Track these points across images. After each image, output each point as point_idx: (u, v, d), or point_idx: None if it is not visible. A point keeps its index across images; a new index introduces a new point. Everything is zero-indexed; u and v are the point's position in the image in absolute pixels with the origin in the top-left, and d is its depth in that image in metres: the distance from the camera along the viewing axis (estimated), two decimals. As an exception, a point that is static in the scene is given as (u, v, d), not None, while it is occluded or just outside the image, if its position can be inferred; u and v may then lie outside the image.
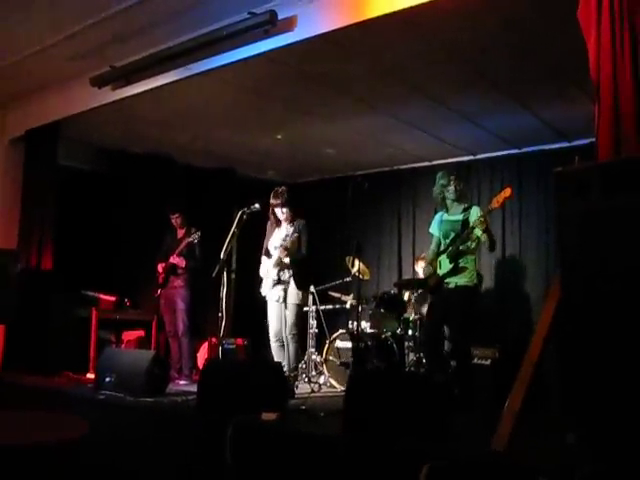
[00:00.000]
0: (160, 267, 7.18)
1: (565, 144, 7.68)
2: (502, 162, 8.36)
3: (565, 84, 5.87)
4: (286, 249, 5.93)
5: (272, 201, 6.11)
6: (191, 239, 6.94)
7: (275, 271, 6.05)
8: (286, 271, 6.07)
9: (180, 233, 7.29)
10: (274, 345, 6.19)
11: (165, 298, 7.19)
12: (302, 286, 6.11)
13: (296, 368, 6.29)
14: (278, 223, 6.21)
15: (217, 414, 4.41)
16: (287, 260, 5.99)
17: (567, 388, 2.77)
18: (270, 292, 6.13)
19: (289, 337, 6.04)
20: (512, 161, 8.26)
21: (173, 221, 7.32)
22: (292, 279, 6.05)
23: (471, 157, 8.58)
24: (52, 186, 7.48)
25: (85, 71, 6.36)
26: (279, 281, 6.06)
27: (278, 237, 6.14)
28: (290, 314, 6.04)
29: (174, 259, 7.02)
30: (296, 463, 3.92)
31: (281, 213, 6.13)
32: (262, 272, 6.21)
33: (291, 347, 6.06)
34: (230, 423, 4.11)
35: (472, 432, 4.16)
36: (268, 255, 6.21)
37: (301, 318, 6.28)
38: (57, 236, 7.47)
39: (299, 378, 6.80)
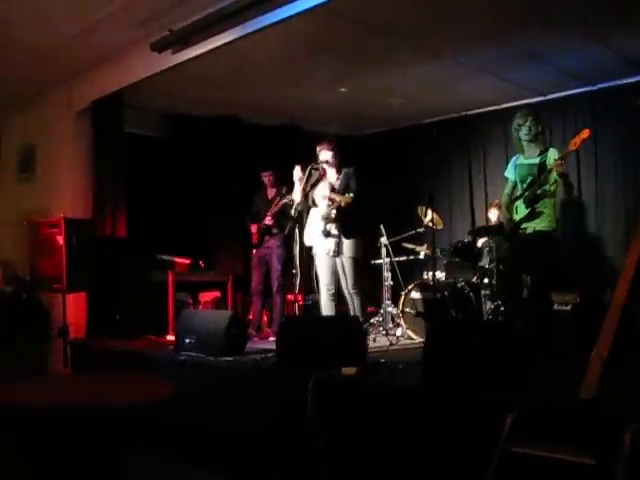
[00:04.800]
0: (254, 228, 7.22)
1: (645, 77, 7.29)
2: (574, 101, 8.02)
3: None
4: (333, 202, 5.80)
5: (318, 147, 6.01)
6: (285, 200, 6.83)
7: (323, 223, 5.91)
8: (333, 225, 5.89)
9: (271, 193, 7.28)
10: (325, 298, 6.05)
11: (258, 257, 7.23)
12: (353, 235, 5.91)
13: (364, 322, 6.08)
14: (324, 173, 6.08)
15: (297, 370, 4.43)
16: (334, 212, 5.83)
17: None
18: (318, 244, 6.00)
19: (352, 293, 5.95)
20: (585, 99, 7.91)
21: (265, 180, 7.31)
22: (341, 232, 5.89)
23: (541, 98, 8.25)
24: (121, 154, 7.60)
25: (145, 38, 6.32)
26: (328, 234, 5.91)
27: (324, 186, 6.04)
28: (349, 269, 5.91)
29: (269, 220, 7.05)
30: (378, 415, 3.93)
31: (326, 159, 5.98)
32: (308, 222, 6.07)
33: (356, 302, 5.97)
34: (311, 378, 4.13)
35: (555, 380, 4.05)
36: (314, 205, 6.08)
37: (360, 270, 6.04)
38: (129, 203, 7.60)
39: (375, 331, 6.80)
